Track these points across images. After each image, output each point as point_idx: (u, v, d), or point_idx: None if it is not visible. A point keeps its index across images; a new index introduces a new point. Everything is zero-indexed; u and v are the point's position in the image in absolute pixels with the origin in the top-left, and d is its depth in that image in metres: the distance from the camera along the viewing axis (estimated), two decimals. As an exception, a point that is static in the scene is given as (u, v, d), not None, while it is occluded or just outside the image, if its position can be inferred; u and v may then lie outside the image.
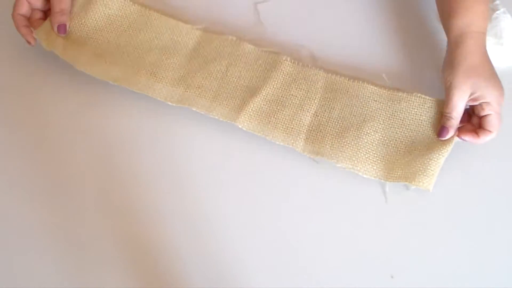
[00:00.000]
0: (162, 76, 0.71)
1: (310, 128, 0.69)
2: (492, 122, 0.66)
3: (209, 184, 0.68)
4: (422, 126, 0.68)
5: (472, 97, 0.65)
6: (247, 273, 0.63)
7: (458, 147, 0.69)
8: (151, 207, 0.66)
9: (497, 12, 0.77)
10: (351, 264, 0.63)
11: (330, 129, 0.69)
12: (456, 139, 0.67)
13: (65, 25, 0.71)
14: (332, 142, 0.68)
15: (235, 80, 0.71)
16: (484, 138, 0.66)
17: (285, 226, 0.66)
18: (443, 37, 0.70)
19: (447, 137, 0.67)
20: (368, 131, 0.68)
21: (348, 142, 0.68)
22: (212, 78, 0.71)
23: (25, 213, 0.66)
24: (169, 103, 0.70)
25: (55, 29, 0.71)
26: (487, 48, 0.73)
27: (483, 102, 0.65)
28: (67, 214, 0.66)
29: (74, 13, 0.73)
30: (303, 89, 0.71)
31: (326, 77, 0.72)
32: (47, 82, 0.74)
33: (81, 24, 0.73)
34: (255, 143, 0.70)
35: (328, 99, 0.71)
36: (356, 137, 0.68)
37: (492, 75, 0.66)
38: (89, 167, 0.69)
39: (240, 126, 0.68)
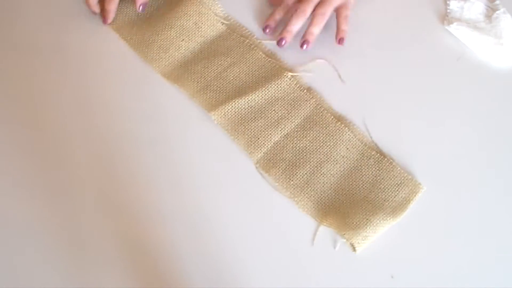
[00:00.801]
0: (171, 55, 0.75)
1: (274, 147, 0.69)
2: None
3: (209, 184, 0.68)
4: (380, 189, 0.66)
5: None
6: (247, 273, 0.63)
7: (461, 148, 0.69)
8: (151, 207, 0.66)
9: (497, 12, 0.77)
10: (351, 264, 0.63)
11: (291, 156, 0.68)
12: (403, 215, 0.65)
13: (146, 4, 0.78)
14: (285, 167, 0.68)
15: (231, 78, 0.73)
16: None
17: (285, 226, 0.66)
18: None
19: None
20: (325, 172, 0.68)
21: (301, 174, 0.67)
22: (210, 69, 0.74)
23: (25, 213, 0.65)
24: (165, 80, 0.73)
25: (139, 6, 0.77)
26: (488, 48, 0.73)
27: None
28: (67, 214, 0.66)
29: None
30: (286, 109, 0.71)
31: (315, 108, 0.72)
32: (46, 81, 0.74)
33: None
34: (255, 143, 0.70)
35: (304, 128, 0.70)
36: (311, 173, 0.67)
37: None
38: (89, 167, 0.68)
39: (212, 118, 0.70)
